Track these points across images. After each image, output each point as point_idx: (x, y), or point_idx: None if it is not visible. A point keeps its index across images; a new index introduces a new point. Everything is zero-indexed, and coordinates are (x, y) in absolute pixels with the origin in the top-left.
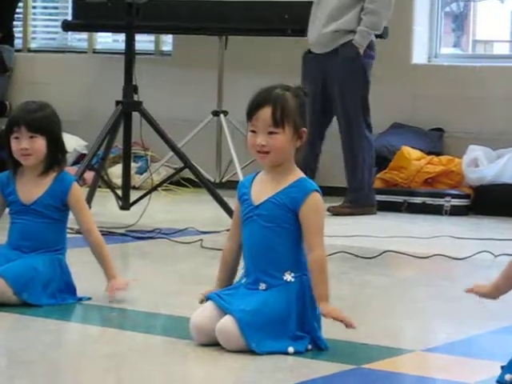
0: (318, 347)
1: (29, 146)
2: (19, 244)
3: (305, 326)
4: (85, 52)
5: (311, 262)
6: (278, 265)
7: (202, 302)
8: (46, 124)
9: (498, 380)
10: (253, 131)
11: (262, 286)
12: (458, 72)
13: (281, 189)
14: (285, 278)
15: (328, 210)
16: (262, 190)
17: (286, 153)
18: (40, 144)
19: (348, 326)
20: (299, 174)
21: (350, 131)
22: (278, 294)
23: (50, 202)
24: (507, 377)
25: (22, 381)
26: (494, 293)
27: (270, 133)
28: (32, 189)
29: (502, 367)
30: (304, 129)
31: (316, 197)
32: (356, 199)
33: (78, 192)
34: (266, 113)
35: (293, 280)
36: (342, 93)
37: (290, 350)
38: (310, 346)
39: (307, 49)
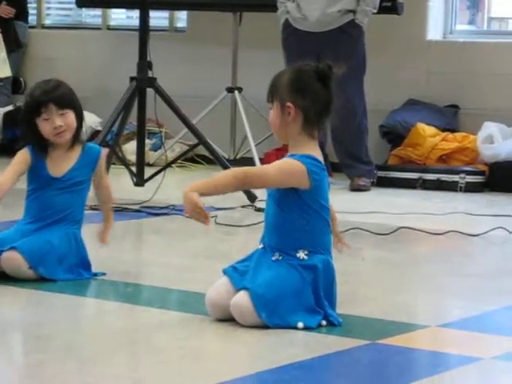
0: (332, 324)
1: (62, 123)
2: (41, 216)
3: (318, 303)
4: (99, 28)
5: None
6: (291, 242)
7: None
8: (72, 97)
9: None
10: None
11: (276, 256)
12: (473, 48)
13: None
14: (298, 255)
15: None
16: None
17: (277, 128)
18: (72, 118)
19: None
20: (305, 151)
21: (349, 102)
22: (290, 268)
23: (81, 173)
24: None
25: (37, 355)
26: None
27: (270, 109)
28: (63, 162)
29: None
30: (288, 103)
31: (287, 159)
32: (370, 171)
33: (103, 158)
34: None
35: (306, 258)
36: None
37: (300, 325)
38: (324, 322)
39: (289, 27)
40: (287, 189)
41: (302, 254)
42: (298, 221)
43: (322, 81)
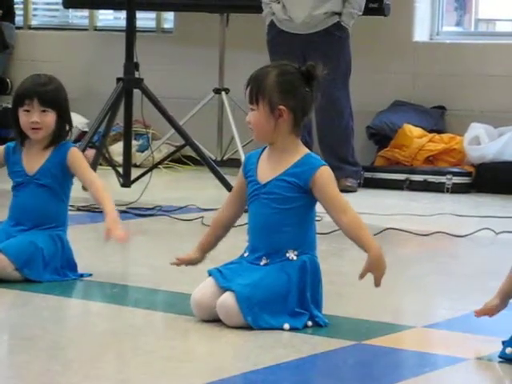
0: (318, 324)
1: (40, 120)
2: (20, 218)
3: (304, 304)
4: (86, 29)
5: (349, 223)
6: (282, 243)
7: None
8: (58, 98)
9: (500, 355)
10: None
11: (264, 261)
12: (460, 50)
13: (287, 167)
14: (287, 255)
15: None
16: (268, 168)
17: (266, 130)
18: (51, 118)
19: (375, 284)
20: (304, 150)
21: (336, 103)
22: (278, 270)
23: (51, 170)
24: (508, 350)
25: (23, 356)
26: (500, 306)
27: (252, 109)
28: (37, 160)
29: (503, 342)
30: (281, 106)
31: (327, 170)
32: (357, 172)
33: (76, 153)
34: (247, 91)
35: (295, 258)
36: (328, 70)
37: (286, 326)
38: (310, 323)
39: (275, 28)
40: (301, 188)
41: (291, 255)
42: (294, 219)
43: (306, 81)
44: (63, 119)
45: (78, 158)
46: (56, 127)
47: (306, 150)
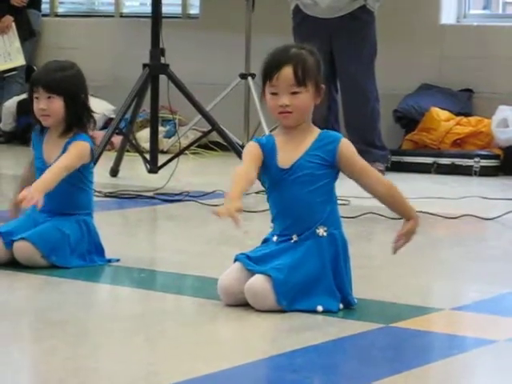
0: (349, 304)
1: (46, 107)
2: (46, 204)
3: (336, 281)
4: (112, 16)
5: (388, 190)
6: (312, 221)
7: None
8: (64, 84)
9: None
10: (274, 93)
11: (294, 237)
12: (487, 32)
13: (309, 146)
14: (317, 232)
15: None
16: (289, 151)
17: (308, 112)
18: (57, 104)
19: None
20: (317, 129)
21: (362, 87)
22: (311, 252)
23: None
24: None
25: (51, 341)
26: None
27: (293, 93)
28: (53, 149)
29: None
30: (323, 86)
31: (347, 141)
32: (384, 156)
33: (73, 145)
34: (287, 72)
35: (325, 235)
36: (355, 54)
37: (319, 308)
38: (341, 306)
39: (300, 13)
40: (327, 161)
41: (321, 231)
42: (323, 197)
43: None
44: (74, 106)
45: (69, 148)
46: (67, 114)
47: (317, 128)
